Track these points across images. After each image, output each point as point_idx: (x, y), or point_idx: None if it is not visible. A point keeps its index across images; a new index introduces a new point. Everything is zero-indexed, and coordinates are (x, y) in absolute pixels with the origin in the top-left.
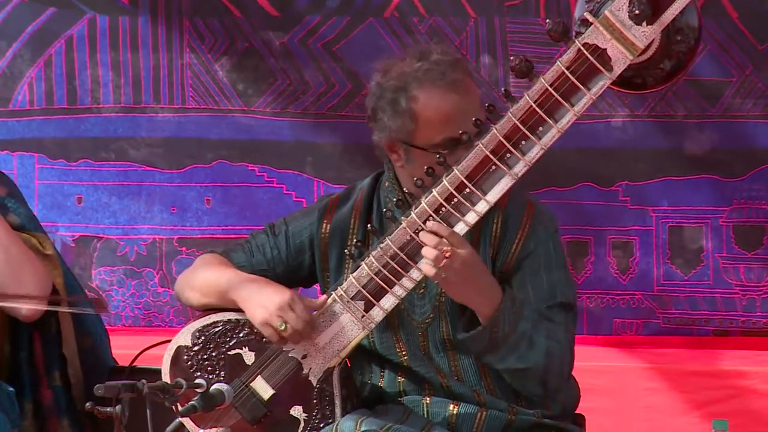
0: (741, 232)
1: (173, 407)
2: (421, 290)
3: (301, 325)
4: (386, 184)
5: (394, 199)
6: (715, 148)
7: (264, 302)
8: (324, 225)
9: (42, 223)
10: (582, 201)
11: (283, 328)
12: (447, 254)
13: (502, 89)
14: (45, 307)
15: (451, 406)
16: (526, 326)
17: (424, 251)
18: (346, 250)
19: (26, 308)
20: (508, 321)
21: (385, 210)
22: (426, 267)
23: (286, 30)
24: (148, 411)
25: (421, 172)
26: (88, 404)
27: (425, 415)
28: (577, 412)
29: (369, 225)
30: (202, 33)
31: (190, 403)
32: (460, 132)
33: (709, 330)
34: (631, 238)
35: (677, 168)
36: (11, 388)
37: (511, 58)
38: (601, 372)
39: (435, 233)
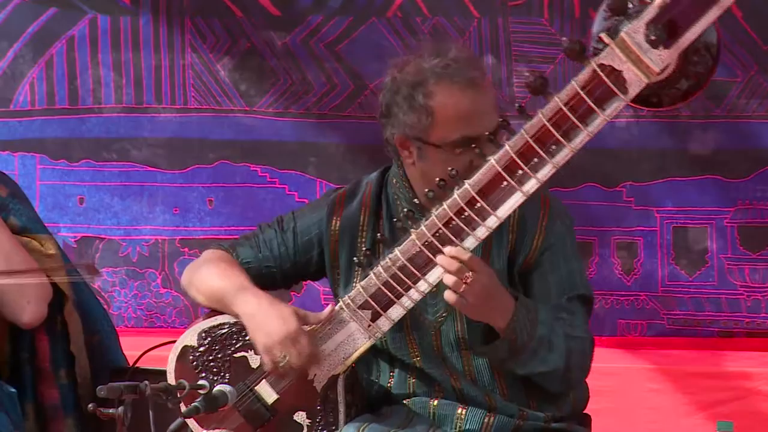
0: (746, 233)
1: (176, 408)
2: (434, 289)
3: (301, 362)
4: (394, 180)
5: (405, 210)
6: (719, 149)
7: (268, 330)
8: (334, 221)
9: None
10: (586, 201)
11: (283, 362)
12: (468, 280)
13: (517, 105)
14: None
15: (459, 410)
16: (544, 331)
17: (445, 278)
18: (354, 258)
19: (27, 316)
20: (525, 329)
21: (396, 220)
22: (448, 294)
23: (288, 30)
24: (150, 412)
25: (434, 169)
26: (90, 405)
27: (431, 418)
28: (584, 412)
29: (379, 234)
30: (204, 33)
31: (192, 404)
32: (476, 136)
33: (714, 331)
34: (635, 239)
35: (682, 168)
36: (13, 389)
37: (526, 74)
38: (606, 373)
39: (454, 258)
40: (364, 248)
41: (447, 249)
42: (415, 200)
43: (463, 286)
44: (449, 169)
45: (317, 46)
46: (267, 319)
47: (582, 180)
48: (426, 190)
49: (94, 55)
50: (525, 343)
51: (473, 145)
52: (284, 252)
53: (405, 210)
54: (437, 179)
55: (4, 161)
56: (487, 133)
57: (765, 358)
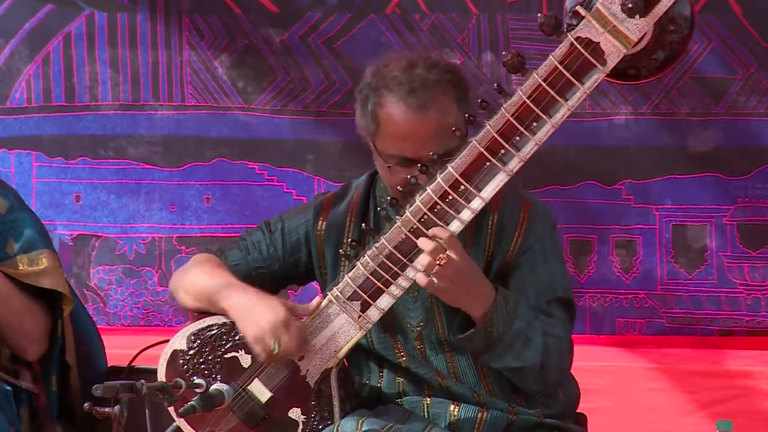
0: (745, 231)
1: (172, 408)
2: (415, 293)
3: (293, 346)
4: (382, 183)
5: (388, 198)
6: (719, 146)
7: (257, 319)
8: (320, 222)
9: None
10: (585, 199)
11: (276, 349)
12: (441, 261)
13: (495, 84)
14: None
15: (452, 407)
16: (522, 325)
17: (420, 259)
18: (341, 250)
19: (30, 356)
20: (502, 321)
21: (379, 209)
22: (420, 277)
23: (286, 27)
24: (146, 411)
25: (381, 171)
26: (86, 405)
27: (426, 416)
28: (579, 411)
29: (363, 224)
30: (202, 30)
31: (189, 403)
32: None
33: (714, 330)
34: (634, 237)
35: (681, 166)
36: (8, 387)
37: (503, 53)
38: (605, 372)
39: (434, 237)
40: (345, 250)
41: (432, 230)
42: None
43: (436, 267)
44: (431, 153)
45: (315, 43)
46: (255, 310)
47: (581, 178)
48: (409, 176)
49: (91, 52)
50: (501, 334)
51: (412, 165)
52: (273, 252)
53: (383, 206)
54: (420, 165)
55: (0, 159)
56: (467, 115)
57: (765, 357)
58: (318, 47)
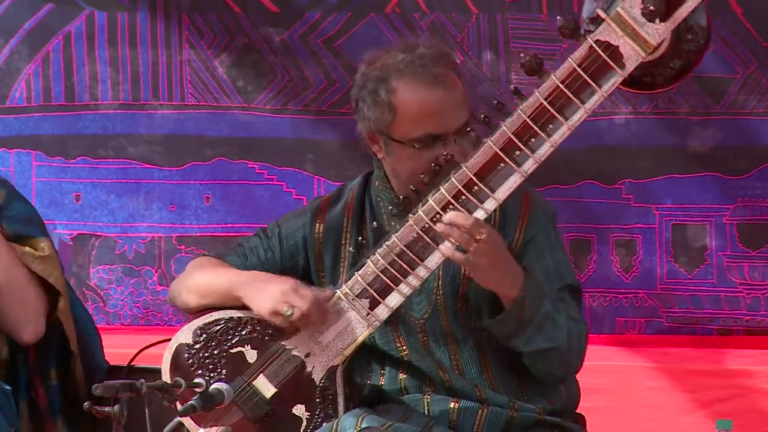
0: (745, 230)
1: (172, 407)
2: (418, 288)
3: (306, 307)
4: (376, 183)
5: (400, 197)
6: (719, 146)
7: (269, 292)
8: (317, 225)
9: None
10: (585, 199)
11: (290, 313)
12: (481, 236)
13: (512, 87)
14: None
15: (452, 404)
16: (549, 306)
17: (454, 235)
18: (350, 248)
19: (27, 336)
20: (532, 301)
21: (390, 207)
22: (456, 254)
23: (286, 26)
24: (146, 410)
25: (400, 165)
26: (86, 404)
27: (426, 414)
28: (578, 411)
29: (374, 222)
30: (201, 29)
31: (189, 402)
32: (468, 129)
33: (713, 329)
34: (634, 236)
35: (681, 165)
36: (8, 387)
37: (521, 55)
38: (604, 371)
39: (454, 223)
40: (350, 249)
41: (448, 214)
42: (398, 197)
43: (474, 244)
44: (443, 152)
45: (315, 42)
46: (265, 285)
47: (581, 177)
48: (422, 175)
49: (90, 52)
50: (532, 315)
51: (438, 143)
52: (271, 257)
53: (389, 208)
54: (431, 163)
55: (0, 158)
56: (482, 116)
57: (765, 356)
58: (318, 46)
